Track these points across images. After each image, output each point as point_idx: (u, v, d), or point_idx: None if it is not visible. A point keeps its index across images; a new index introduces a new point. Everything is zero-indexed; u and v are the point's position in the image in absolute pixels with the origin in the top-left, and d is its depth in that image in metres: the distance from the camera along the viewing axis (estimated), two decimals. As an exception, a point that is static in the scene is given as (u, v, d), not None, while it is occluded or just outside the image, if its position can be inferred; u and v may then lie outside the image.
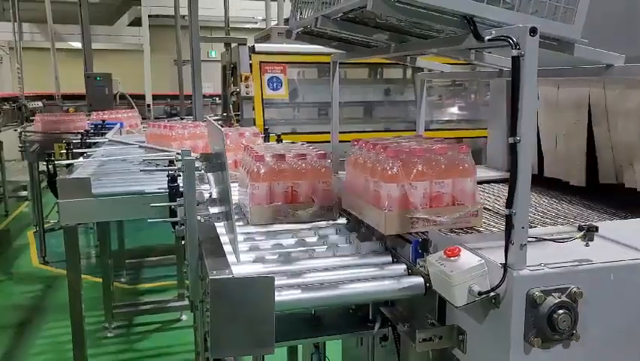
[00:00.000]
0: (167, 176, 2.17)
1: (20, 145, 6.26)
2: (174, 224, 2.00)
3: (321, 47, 2.33)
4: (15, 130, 7.50)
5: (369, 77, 6.75)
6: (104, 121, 5.41)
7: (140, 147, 3.70)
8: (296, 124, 5.83)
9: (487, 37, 1.29)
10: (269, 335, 1.35)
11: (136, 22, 11.94)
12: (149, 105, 11.08)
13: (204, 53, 14.71)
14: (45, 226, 6.30)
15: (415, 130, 5.89)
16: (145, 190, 2.74)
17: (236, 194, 2.11)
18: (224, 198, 1.63)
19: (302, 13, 2.14)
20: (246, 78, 5.37)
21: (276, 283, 1.35)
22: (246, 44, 5.52)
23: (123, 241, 5.60)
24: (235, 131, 3.13)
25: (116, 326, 4.44)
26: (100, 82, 10.03)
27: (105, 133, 4.85)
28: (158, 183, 2.61)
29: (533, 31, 1.18)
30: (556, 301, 1.22)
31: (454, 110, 6.53)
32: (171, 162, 2.69)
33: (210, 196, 2.00)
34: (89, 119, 5.80)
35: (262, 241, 1.75)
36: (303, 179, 1.92)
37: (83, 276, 5.62)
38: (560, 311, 1.21)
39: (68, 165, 3.18)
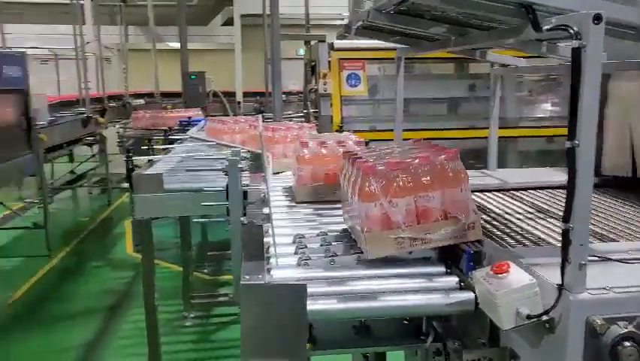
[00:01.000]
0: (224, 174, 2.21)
1: (118, 140, 6.74)
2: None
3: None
4: (114, 126, 8.07)
5: (454, 72, 6.50)
6: (190, 118, 5.67)
7: (216, 144, 3.81)
8: (375, 121, 5.75)
9: (546, 27, 1.16)
10: (300, 344, 1.32)
11: (228, 22, 12.39)
12: (239, 102, 11.44)
13: (293, 51, 15.01)
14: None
15: (504, 127, 5.61)
16: (209, 187, 2.82)
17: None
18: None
19: (360, 7, 2.09)
20: (324, 75, 5.37)
21: (315, 290, 1.32)
22: (325, 41, 5.52)
23: (206, 233, 5.82)
24: (333, 138, 3.01)
25: (195, 316, 4.64)
26: (194, 80, 10.51)
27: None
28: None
29: (597, 18, 1.03)
30: (622, 331, 1.07)
31: (546, 106, 6.11)
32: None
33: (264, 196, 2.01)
34: (178, 116, 6.13)
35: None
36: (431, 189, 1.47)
37: (169, 265, 6.01)
38: (626, 344, 1.06)
39: (149, 161, 3.35)
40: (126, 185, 8.80)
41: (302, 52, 15.17)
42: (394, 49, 5.55)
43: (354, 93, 5.58)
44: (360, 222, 1.43)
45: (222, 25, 12.43)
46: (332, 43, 5.51)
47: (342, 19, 12.37)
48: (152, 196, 2.86)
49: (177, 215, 4.41)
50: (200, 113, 6.64)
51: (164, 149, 3.68)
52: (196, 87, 10.60)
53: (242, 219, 1.64)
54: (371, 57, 5.63)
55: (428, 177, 1.41)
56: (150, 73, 11.80)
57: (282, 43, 8.65)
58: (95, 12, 11.10)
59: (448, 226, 1.41)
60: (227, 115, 11.07)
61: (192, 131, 4.57)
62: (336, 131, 5.41)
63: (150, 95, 12.17)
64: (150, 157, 3.33)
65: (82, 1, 9.14)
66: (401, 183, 1.38)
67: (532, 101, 6.06)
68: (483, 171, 2.65)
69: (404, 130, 5.41)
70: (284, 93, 12.46)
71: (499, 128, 5.62)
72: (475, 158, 6.12)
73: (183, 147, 4.00)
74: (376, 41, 5.53)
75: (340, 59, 5.53)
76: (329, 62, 5.52)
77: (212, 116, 10.64)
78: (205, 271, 5.79)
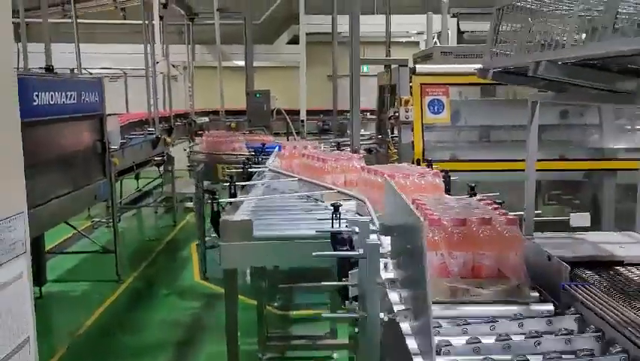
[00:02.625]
0: (333, 239, 1.92)
1: (189, 165, 6.66)
2: (344, 295, 1.75)
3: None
4: (184, 150, 8.02)
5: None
6: (263, 145, 5.48)
7: (300, 180, 3.55)
8: (457, 149, 5.37)
9: None
10: None
11: (294, 40, 12.31)
12: (302, 121, 11.30)
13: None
14: (206, 239, 6.59)
15: (601, 158, 5.10)
16: (305, 234, 2.55)
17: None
18: (419, 298, 1.29)
19: (498, 48, 1.78)
20: (406, 102, 5.06)
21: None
22: (406, 65, 5.21)
23: (276, 263, 5.57)
24: (411, 170, 2.73)
25: (270, 358, 4.39)
26: (259, 98, 10.44)
27: (265, 158, 4.88)
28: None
29: None
30: None
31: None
32: (336, 209, 2.44)
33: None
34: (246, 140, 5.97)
35: (449, 328, 1.36)
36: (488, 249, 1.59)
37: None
38: None
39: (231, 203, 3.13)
40: (190, 204, 8.70)
41: (366, 69, 15.05)
42: (469, 74, 5.20)
43: (436, 121, 5.23)
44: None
45: (288, 43, 12.37)
46: (414, 67, 5.19)
47: (410, 36, 12.07)
48: (242, 245, 2.62)
49: (272, 265, 4.19)
50: (272, 138, 6.45)
51: (242, 186, 3.45)
52: (260, 105, 10.53)
53: (382, 316, 1.35)
54: (454, 82, 5.27)
55: (487, 237, 1.54)
56: (215, 91, 11.85)
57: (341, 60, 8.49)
58: (163, 31, 11.31)
59: (500, 284, 1.50)
60: (291, 133, 10.98)
61: (270, 163, 4.34)
62: (417, 162, 5.09)
63: (215, 112, 12.22)
64: (234, 199, 3.09)
65: (153, 21, 9.23)
66: (462, 238, 1.54)
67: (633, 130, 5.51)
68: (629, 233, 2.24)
69: (484, 160, 5.09)
70: (344, 112, 12.28)
71: (596, 160, 5.22)
72: (567, 191, 5.65)
73: (265, 181, 3.77)
74: (460, 66, 5.18)
75: (422, 84, 5.20)
76: (410, 87, 5.21)
77: (276, 134, 10.56)
78: (275, 304, 5.56)
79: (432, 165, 3.71)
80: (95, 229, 8.42)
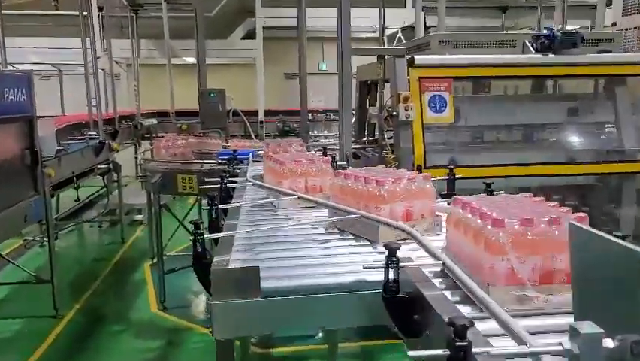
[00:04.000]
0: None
1: (141, 175, 5.66)
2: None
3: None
4: (136, 157, 6.96)
5: (544, 92, 5.46)
6: (235, 151, 4.59)
7: (298, 197, 2.70)
8: (461, 153, 4.67)
9: None
10: None
11: (249, 34, 11.38)
12: (261, 122, 10.47)
13: (315, 65, 14.03)
14: (164, 258, 5.59)
15: (621, 160, 4.52)
16: (341, 282, 1.74)
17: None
18: None
19: None
20: (406, 99, 4.30)
21: None
22: (403, 56, 4.46)
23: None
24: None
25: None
26: (213, 98, 9.58)
27: (239, 168, 4.01)
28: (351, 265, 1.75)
29: None
30: None
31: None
32: (391, 254, 1.62)
33: None
34: (218, 148, 5.06)
35: None
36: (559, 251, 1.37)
37: (196, 326, 4.89)
38: None
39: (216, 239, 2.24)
40: (139, 217, 7.61)
41: (325, 67, 14.28)
42: (485, 65, 4.53)
43: (438, 120, 4.51)
44: (483, 275, 1.39)
45: (243, 38, 11.42)
46: (412, 58, 4.44)
47: (374, 31, 11.37)
48: (245, 305, 1.76)
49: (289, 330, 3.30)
50: (249, 143, 5.54)
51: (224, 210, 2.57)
52: (215, 105, 9.64)
53: None
54: (459, 75, 4.58)
55: (559, 239, 1.33)
56: (163, 90, 10.76)
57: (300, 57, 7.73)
58: (103, 23, 10.12)
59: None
60: (249, 135, 10.11)
61: (250, 174, 3.46)
62: (418, 168, 4.35)
63: (164, 114, 11.11)
64: (219, 235, 2.19)
65: (91, 12, 8.09)
66: (531, 240, 1.36)
67: None
68: None
69: (483, 165, 4.42)
70: (310, 111, 11.54)
71: (613, 162, 4.66)
72: (576, 196, 5.06)
73: (247, 199, 2.91)
74: (464, 56, 4.49)
75: (422, 77, 4.46)
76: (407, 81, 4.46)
77: (232, 137, 9.64)
78: (253, 340, 4.67)
79: (453, 173, 2.99)
80: (28, 250, 7.22)
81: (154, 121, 10.99)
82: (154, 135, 10.07)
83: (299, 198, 2.63)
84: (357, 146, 5.38)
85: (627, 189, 4.64)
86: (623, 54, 4.95)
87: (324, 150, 4.82)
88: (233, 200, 2.85)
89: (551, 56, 4.51)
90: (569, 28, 4.69)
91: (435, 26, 9.98)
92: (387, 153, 4.49)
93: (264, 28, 10.65)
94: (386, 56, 4.47)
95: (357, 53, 4.73)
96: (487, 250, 1.37)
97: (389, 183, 1.99)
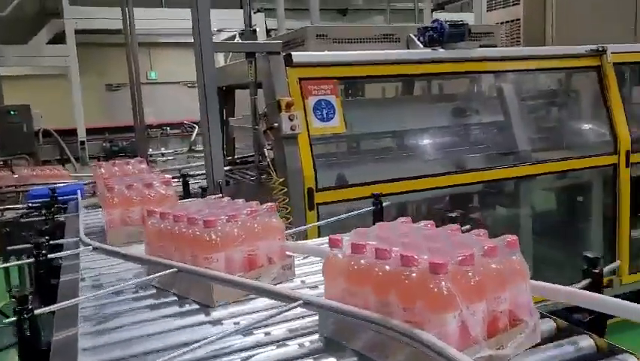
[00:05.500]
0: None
1: None
2: None
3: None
4: None
5: (424, 93, 4.96)
6: (53, 190, 3.23)
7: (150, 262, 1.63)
8: (353, 169, 3.90)
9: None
10: None
11: (57, 38, 9.47)
12: (82, 143, 8.82)
13: (143, 74, 12.36)
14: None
15: (515, 164, 4.12)
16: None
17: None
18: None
19: None
20: (289, 106, 3.38)
21: None
22: (279, 53, 3.52)
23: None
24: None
25: None
26: (15, 117, 7.91)
27: (61, 212, 2.75)
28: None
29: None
30: None
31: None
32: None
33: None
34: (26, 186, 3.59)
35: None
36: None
37: None
38: None
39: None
40: None
41: (154, 75, 12.70)
42: (375, 62, 3.81)
43: (327, 130, 3.68)
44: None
45: (49, 43, 9.44)
46: (289, 55, 3.53)
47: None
48: None
49: None
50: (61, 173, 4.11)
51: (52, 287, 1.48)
52: (18, 126, 7.95)
53: None
54: (347, 75, 3.80)
55: (501, 275, 1.06)
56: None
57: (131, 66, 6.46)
58: None
59: (518, 334, 1.07)
60: (67, 160, 8.50)
61: (82, 229, 2.21)
62: (309, 192, 3.47)
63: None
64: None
65: None
66: (477, 283, 1.02)
67: (550, 123, 4.73)
68: None
69: (364, 184, 3.70)
70: (161, 127, 10.07)
71: (505, 167, 4.29)
72: (461, 205, 4.58)
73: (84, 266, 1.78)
74: (349, 52, 3.73)
75: (302, 79, 3.58)
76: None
77: (45, 162, 7.89)
78: None
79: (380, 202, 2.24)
80: None
81: None
82: None
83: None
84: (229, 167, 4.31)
85: (525, 191, 4.32)
86: (518, 48, 4.65)
87: (184, 177, 3.70)
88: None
89: (441, 50, 3.98)
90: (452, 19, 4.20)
91: (275, 29, 9.32)
92: (268, 176, 3.51)
93: (76, 32, 8.93)
94: (256, 54, 3.50)
95: (222, 49, 3.69)
96: (432, 306, 0.99)
97: (222, 222, 1.49)
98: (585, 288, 1.30)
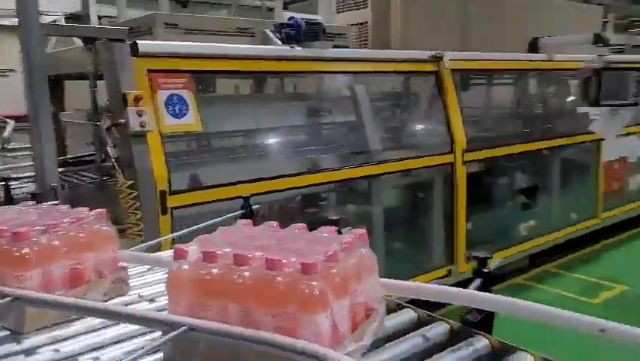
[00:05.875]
0: None
1: None
2: None
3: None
4: None
5: (279, 90, 4.88)
6: None
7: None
8: (211, 169, 3.67)
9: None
10: None
11: None
12: None
13: None
14: None
15: (365, 163, 4.25)
16: None
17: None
18: None
19: None
20: (137, 100, 3.03)
21: None
22: (124, 41, 3.14)
23: None
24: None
25: None
26: None
27: None
28: None
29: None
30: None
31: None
32: None
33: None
34: None
35: None
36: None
37: None
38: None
39: None
40: None
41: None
42: (232, 57, 3.63)
43: (181, 128, 3.39)
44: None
45: None
46: (134, 44, 3.18)
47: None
48: None
49: None
50: None
51: None
52: None
53: None
54: (201, 69, 3.54)
55: (358, 269, 1.06)
56: None
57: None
58: None
59: (372, 323, 1.07)
60: None
61: None
62: (161, 196, 3.17)
63: None
64: None
65: None
66: (342, 279, 1.01)
67: (396, 124, 4.92)
68: None
69: (222, 185, 3.56)
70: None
71: (357, 166, 4.40)
72: (314, 205, 4.60)
73: None
74: (201, 44, 3.51)
75: (152, 70, 3.26)
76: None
77: None
78: None
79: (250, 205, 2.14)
80: None
81: None
82: None
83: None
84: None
85: (374, 189, 4.47)
86: (369, 50, 4.76)
87: (5, 181, 3.15)
88: None
89: (298, 48, 3.93)
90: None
91: (112, 17, 8.58)
92: (111, 178, 3.12)
93: None
94: (97, 41, 3.08)
95: (55, 32, 3.20)
96: (305, 308, 0.96)
97: (38, 234, 1.27)
98: (478, 288, 1.30)
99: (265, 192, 3.62)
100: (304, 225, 1.20)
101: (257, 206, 2.14)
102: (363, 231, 1.12)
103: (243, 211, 2.06)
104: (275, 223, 1.21)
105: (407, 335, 1.17)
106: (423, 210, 4.88)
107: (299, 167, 3.96)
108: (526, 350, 1.11)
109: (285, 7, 7.92)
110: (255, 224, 1.23)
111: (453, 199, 4.75)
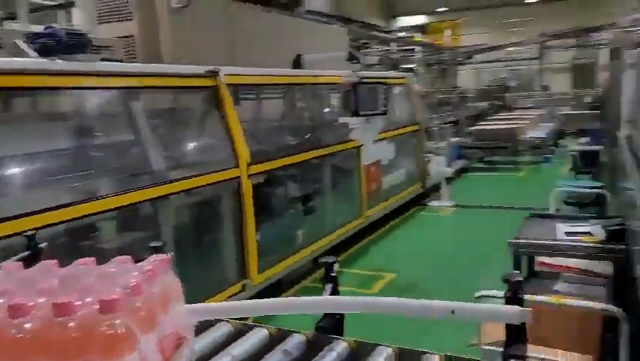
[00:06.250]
0: None
1: None
2: None
3: None
4: None
5: (38, 110, 4.24)
6: None
7: None
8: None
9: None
10: None
11: None
12: None
13: None
14: None
15: (151, 184, 4.03)
16: None
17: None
18: None
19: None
20: None
21: None
22: None
23: None
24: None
25: None
26: None
27: None
28: None
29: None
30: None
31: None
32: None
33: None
34: None
35: None
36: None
37: None
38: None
39: None
40: None
41: None
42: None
43: None
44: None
45: None
46: None
47: None
48: None
49: None
50: None
51: None
52: None
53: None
54: None
55: (164, 296, 0.97)
56: None
57: None
58: None
59: (184, 350, 1.00)
60: None
61: None
62: None
63: None
64: None
65: None
66: (148, 311, 0.90)
67: (178, 142, 4.67)
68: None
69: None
70: None
71: (135, 190, 4.07)
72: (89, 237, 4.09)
73: None
74: None
75: None
76: None
77: None
78: None
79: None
80: None
81: None
82: None
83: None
84: None
85: (161, 211, 4.21)
86: (143, 64, 4.43)
87: None
88: None
89: (60, 62, 3.48)
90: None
91: None
92: None
93: None
94: None
95: None
96: (109, 352, 0.82)
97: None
98: (331, 294, 1.32)
99: (42, 227, 3.10)
100: (92, 258, 1.03)
101: (44, 244, 1.81)
102: (165, 256, 1.03)
103: (28, 252, 1.71)
104: (54, 262, 1.01)
105: (266, 355, 1.10)
106: (213, 228, 4.79)
107: (69, 197, 3.50)
108: (382, 344, 1.15)
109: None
110: (30, 266, 1.01)
111: (241, 213, 4.77)
